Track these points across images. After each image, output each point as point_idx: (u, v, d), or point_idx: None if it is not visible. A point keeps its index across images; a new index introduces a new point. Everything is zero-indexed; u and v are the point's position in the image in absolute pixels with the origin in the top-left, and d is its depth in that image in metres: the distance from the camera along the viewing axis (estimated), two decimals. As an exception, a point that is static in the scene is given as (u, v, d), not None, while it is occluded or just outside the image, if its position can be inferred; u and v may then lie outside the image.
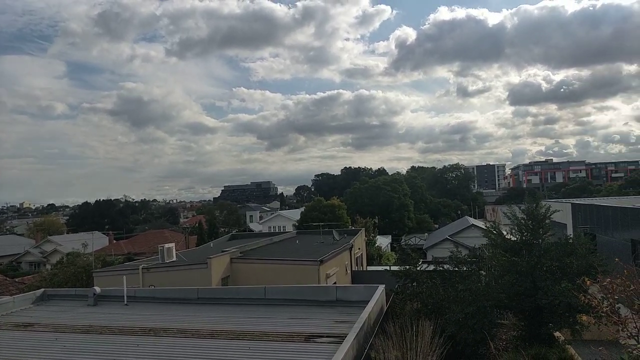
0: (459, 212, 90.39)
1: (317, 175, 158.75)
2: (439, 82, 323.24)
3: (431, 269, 16.09)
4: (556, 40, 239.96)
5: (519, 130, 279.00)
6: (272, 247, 28.17)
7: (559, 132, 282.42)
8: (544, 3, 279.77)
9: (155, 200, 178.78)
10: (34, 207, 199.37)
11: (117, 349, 10.10)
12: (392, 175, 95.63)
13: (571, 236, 15.94)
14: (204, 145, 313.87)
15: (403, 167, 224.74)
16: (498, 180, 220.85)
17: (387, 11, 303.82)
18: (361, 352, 9.20)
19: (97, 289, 15.56)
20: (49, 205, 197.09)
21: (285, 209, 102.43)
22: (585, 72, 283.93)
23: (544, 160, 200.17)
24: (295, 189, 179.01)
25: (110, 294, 15.60)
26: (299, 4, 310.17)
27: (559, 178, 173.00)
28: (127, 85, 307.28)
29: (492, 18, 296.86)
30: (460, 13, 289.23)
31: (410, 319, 10.30)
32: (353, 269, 26.88)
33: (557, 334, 13.78)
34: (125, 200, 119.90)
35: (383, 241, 51.98)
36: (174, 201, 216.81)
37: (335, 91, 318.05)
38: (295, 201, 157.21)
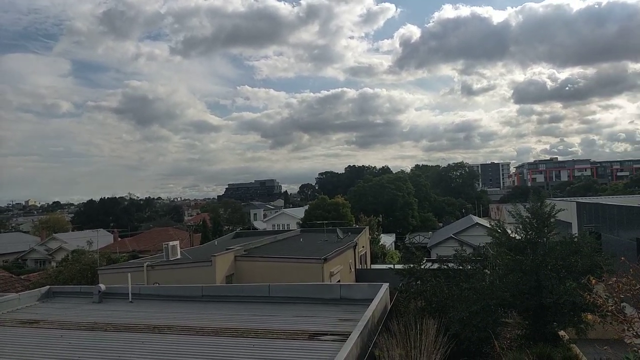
0: (463, 210, 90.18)
1: (321, 174, 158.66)
2: (444, 80, 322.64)
3: (435, 268, 16.05)
4: (561, 38, 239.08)
5: (523, 129, 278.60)
6: (276, 245, 28.20)
7: (564, 130, 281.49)
8: (549, 1, 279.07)
9: (159, 198, 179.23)
10: (39, 205, 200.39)
11: (121, 346, 10.14)
12: (396, 173, 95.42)
13: (576, 235, 15.87)
14: (208, 143, 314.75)
15: (407, 166, 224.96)
16: (502, 178, 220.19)
17: (391, 9, 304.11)
18: (365, 351, 9.20)
19: (102, 287, 15.62)
20: (54, 203, 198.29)
21: (289, 207, 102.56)
22: (590, 71, 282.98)
23: (548, 158, 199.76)
24: (299, 187, 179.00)
25: (115, 292, 15.66)
26: (303, 2, 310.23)
27: (564, 177, 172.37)
28: (131, 83, 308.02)
29: (496, 16, 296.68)
30: (464, 11, 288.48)
31: (414, 318, 10.30)
32: (357, 267, 26.88)
33: (561, 333, 13.73)
34: (130, 198, 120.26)
35: (387, 239, 51.98)
36: (179, 199, 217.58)
37: (340, 89, 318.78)
38: (299, 199, 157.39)
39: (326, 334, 10.32)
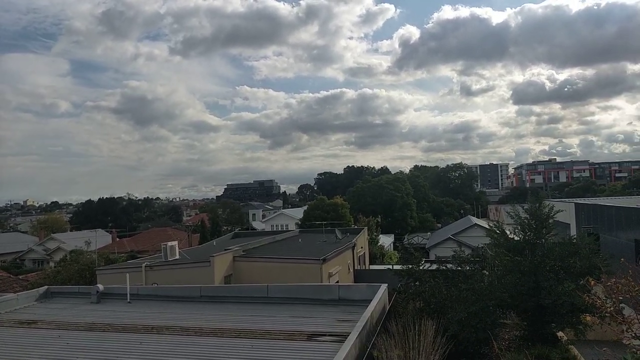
0: (461, 211, 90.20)
1: (320, 174, 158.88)
2: (443, 81, 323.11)
3: (434, 268, 16.05)
4: (560, 39, 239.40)
5: (522, 130, 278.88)
6: (275, 245, 28.17)
7: (563, 131, 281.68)
8: (548, 2, 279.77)
9: (158, 198, 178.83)
10: (37, 205, 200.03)
11: (120, 347, 10.12)
12: (395, 174, 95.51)
13: (575, 236, 15.89)
14: (207, 143, 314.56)
15: (406, 166, 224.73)
16: (501, 179, 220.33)
17: (390, 10, 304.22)
18: (363, 351, 9.20)
19: (100, 287, 15.60)
20: (52, 202, 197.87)
21: (288, 208, 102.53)
22: (589, 72, 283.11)
23: (547, 159, 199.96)
24: (298, 188, 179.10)
25: (113, 292, 15.64)
26: (302, 2, 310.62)
27: (563, 178, 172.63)
28: (130, 83, 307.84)
29: (496, 17, 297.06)
30: (464, 12, 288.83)
31: (412, 318, 10.30)
32: (356, 267, 26.87)
33: (560, 334, 13.74)
34: (129, 198, 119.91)
35: (386, 240, 51.98)
36: (177, 199, 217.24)
37: (339, 90, 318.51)
38: (298, 200, 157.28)
39: (325, 335, 10.31)
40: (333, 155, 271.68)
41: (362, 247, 30.86)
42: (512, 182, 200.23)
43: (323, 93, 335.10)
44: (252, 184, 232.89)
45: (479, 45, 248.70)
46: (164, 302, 14.77)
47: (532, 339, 12.79)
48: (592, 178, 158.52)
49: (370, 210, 59.55)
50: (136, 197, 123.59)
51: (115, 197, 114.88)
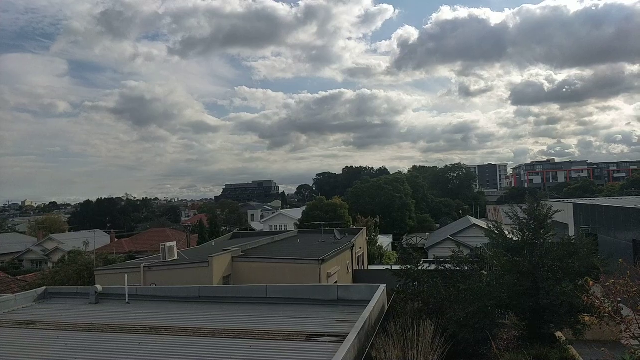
0: (460, 211, 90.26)
1: (318, 175, 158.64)
2: (441, 81, 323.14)
3: (432, 269, 16.06)
4: (559, 40, 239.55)
5: (521, 130, 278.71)
6: (274, 246, 28.17)
7: (561, 132, 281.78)
8: (546, 3, 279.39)
9: (156, 198, 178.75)
10: (35, 205, 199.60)
11: (118, 347, 10.12)
12: (393, 174, 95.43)
13: (573, 236, 15.92)
14: (206, 144, 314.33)
15: (405, 167, 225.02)
16: (500, 180, 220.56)
17: (389, 10, 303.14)
18: (362, 352, 9.20)
19: (99, 287, 15.59)
20: (50, 203, 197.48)
21: (287, 208, 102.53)
22: (587, 72, 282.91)
23: (545, 160, 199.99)
24: (297, 188, 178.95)
25: (111, 292, 15.63)
26: (301, 3, 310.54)
27: (561, 178, 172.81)
28: (129, 83, 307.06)
29: (494, 17, 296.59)
30: (462, 12, 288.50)
31: (411, 319, 10.30)
32: (354, 268, 26.87)
33: (558, 334, 13.77)
34: (127, 198, 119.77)
35: (384, 240, 52.01)
36: (176, 200, 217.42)
37: (337, 90, 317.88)
38: (296, 200, 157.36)
39: (323, 335, 10.32)
40: (332, 156, 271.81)
41: (360, 248, 30.87)
42: (510, 182, 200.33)
43: (322, 93, 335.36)
44: (250, 184, 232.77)
45: (477, 46, 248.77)
46: (162, 303, 14.77)
47: (530, 339, 12.82)
48: (590, 178, 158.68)
49: (369, 211, 59.58)
50: (135, 198, 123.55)
51: (114, 197, 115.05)
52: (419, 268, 15.78)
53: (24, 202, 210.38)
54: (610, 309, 7.48)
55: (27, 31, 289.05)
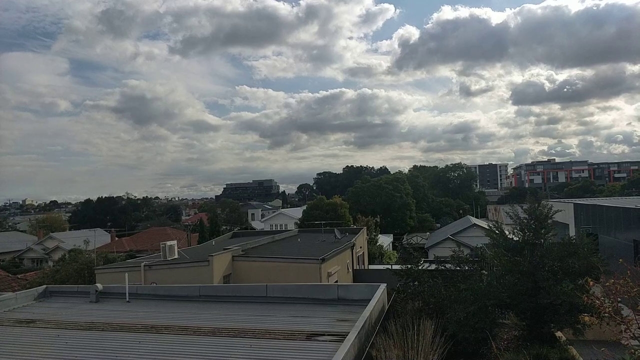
0: (460, 211, 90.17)
1: (319, 174, 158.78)
2: (442, 81, 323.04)
3: (433, 268, 16.07)
4: (560, 40, 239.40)
5: (521, 130, 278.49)
6: (274, 245, 28.17)
7: (562, 132, 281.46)
8: (547, 2, 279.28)
9: (157, 197, 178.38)
10: (36, 204, 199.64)
11: (118, 346, 10.12)
12: (394, 174, 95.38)
13: (573, 236, 15.91)
14: (207, 143, 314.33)
15: (405, 166, 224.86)
16: (500, 179, 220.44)
17: (390, 10, 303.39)
18: (362, 351, 9.20)
19: (99, 286, 15.60)
20: (51, 202, 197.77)
21: (287, 208, 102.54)
22: (588, 72, 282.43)
23: (546, 160, 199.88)
24: (297, 188, 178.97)
25: (112, 291, 15.64)
26: (302, 2, 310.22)
27: (562, 178, 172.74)
28: (130, 82, 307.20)
29: (495, 17, 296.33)
30: (463, 12, 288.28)
31: (411, 318, 10.31)
32: (354, 267, 26.87)
33: (558, 334, 13.77)
34: (128, 197, 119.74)
35: (385, 240, 51.98)
36: (176, 199, 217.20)
37: (338, 90, 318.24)
38: (297, 199, 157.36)
39: (323, 335, 10.32)
40: (332, 155, 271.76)
41: (361, 247, 30.87)
42: (511, 182, 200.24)
43: (322, 93, 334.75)
44: (251, 183, 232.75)
45: (478, 46, 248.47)
46: (162, 302, 14.78)
47: (530, 339, 12.82)
48: (591, 178, 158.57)
49: (369, 210, 59.57)
50: (135, 197, 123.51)
51: (114, 196, 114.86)
52: (419, 268, 15.80)
53: (24, 201, 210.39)
54: (610, 309, 7.47)
55: (28, 30, 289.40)
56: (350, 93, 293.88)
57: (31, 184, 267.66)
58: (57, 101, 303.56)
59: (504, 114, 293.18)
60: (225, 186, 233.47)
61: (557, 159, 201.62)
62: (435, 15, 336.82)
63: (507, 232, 15.06)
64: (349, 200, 66.25)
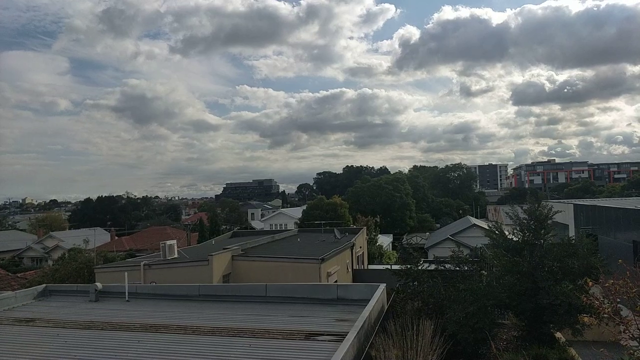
0: (460, 211, 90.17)
1: (319, 174, 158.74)
2: (442, 81, 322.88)
3: (432, 269, 16.08)
4: (560, 41, 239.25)
5: (521, 131, 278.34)
6: (274, 245, 28.18)
7: (562, 132, 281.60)
8: (548, 3, 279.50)
9: (157, 197, 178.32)
10: (36, 203, 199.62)
11: (118, 345, 10.13)
12: (394, 174, 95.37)
13: (573, 237, 15.91)
14: (207, 142, 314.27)
15: (405, 166, 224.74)
16: (500, 180, 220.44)
17: (391, 10, 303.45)
18: (362, 351, 9.21)
19: (99, 285, 15.60)
20: (51, 201, 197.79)
21: (287, 207, 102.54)
22: (589, 73, 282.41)
23: (546, 160, 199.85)
24: (297, 187, 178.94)
25: (111, 290, 15.64)
26: (303, 2, 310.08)
27: (562, 179, 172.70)
28: (130, 82, 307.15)
29: (496, 18, 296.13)
30: (464, 12, 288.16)
31: (411, 318, 10.31)
32: (354, 267, 26.88)
33: (558, 334, 13.77)
34: (128, 196, 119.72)
35: (384, 240, 51.99)
36: (176, 198, 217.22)
37: (339, 90, 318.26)
38: (297, 199, 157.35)
39: (323, 334, 10.32)
40: (332, 155, 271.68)
41: (360, 247, 30.87)
42: (511, 182, 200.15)
43: (323, 93, 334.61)
44: (251, 183, 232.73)
45: (478, 46, 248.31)
46: (162, 301, 14.78)
47: (530, 340, 12.82)
48: (590, 179, 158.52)
49: (369, 210, 59.55)
50: (135, 196, 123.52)
51: (114, 195, 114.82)
52: (419, 268, 15.80)
53: (24, 200, 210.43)
54: (609, 309, 7.47)
55: (28, 29, 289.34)
56: (350, 93, 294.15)
57: (31, 183, 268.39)
58: (57, 100, 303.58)
59: (504, 115, 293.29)
60: (225, 186, 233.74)
61: (557, 160, 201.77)
62: (435, 16, 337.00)
63: (506, 233, 15.07)
64: (348, 200, 66.23)
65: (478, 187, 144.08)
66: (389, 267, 26.29)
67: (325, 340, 9.88)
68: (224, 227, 63.20)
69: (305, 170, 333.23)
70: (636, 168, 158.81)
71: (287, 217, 71.78)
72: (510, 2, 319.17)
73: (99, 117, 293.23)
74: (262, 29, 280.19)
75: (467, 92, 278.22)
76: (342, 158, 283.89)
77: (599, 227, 28.70)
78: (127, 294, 15.16)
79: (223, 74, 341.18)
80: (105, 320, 12.40)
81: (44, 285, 17.08)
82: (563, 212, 33.14)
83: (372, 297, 12.42)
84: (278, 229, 54.59)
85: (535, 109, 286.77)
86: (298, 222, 57.88)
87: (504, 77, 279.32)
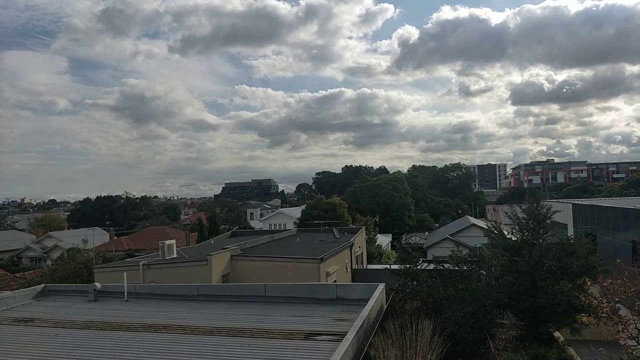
0: (459, 211, 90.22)
1: (318, 174, 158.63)
2: (441, 81, 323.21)
3: (431, 268, 16.10)
4: (559, 40, 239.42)
5: (520, 130, 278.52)
6: (273, 244, 28.17)
7: (561, 132, 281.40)
8: (547, 3, 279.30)
9: (156, 196, 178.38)
10: (35, 203, 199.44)
11: (117, 345, 10.12)
12: (393, 174, 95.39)
13: (572, 236, 15.94)
14: (206, 142, 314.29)
15: (404, 166, 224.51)
16: (499, 180, 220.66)
17: (390, 10, 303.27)
18: (361, 351, 9.22)
19: (98, 285, 15.59)
20: (50, 200, 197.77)
21: (286, 207, 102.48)
22: (587, 73, 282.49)
23: (545, 160, 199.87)
24: (296, 187, 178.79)
25: (110, 290, 15.63)
26: (302, 1, 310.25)
27: (560, 178, 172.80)
28: (129, 81, 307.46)
29: (495, 17, 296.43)
30: (463, 12, 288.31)
31: (410, 318, 10.32)
32: (353, 267, 26.88)
33: (556, 334, 13.79)
34: (126, 196, 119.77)
35: (383, 240, 52.01)
36: (175, 198, 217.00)
37: (338, 89, 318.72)
38: (296, 199, 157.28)
39: (322, 334, 10.33)
40: (331, 155, 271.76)
41: (359, 247, 30.88)
42: (510, 182, 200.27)
43: (322, 92, 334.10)
44: (250, 182, 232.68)
45: (477, 46, 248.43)
46: (161, 301, 14.78)
47: (529, 339, 12.84)
48: (589, 179, 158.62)
49: (368, 210, 59.58)
50: (134, 196, 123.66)
51: (113, 195, 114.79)
52: (418, 267, 15.82)
53: (23, 200, 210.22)
54: (607, 309, 7.49)
55: (27, 28, 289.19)
56: (349, 93, 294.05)
57: (30, 183, 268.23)
58: (57, 100, 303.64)
59: (503, 114, 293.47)
60: (224, 185, 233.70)
61: (556, 159, 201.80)
62: (435, 15, 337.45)
63: (505, 232, 15.08)
64: (348, 200, 66.23)
65: (477, 186, 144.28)
66: (388, 266, 26.31)
67: (324, 340, 9.88)
68: (223, 227, 63.18)
69: (304, 170, 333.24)
70: (635, 168, 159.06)
71: (286, 216, 71.73)
72: (509, 2, 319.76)
73: (98, 116, 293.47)
74: (261, 29, 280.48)
75: (466, 92, 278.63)
76: (341, 158, 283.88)
77: (598, 226, 28.74)
78: (126, 293, 15.15)
79: (222, 73, 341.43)
80: (104, 320, 12.40)
81: (42, 285, 17.07)
82: (562, 211, 33.19)
83: (371, 297, 12.42)
84: (277, 228, 54.58)
85: (534, 109, 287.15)
86: (297, 221, 57.88)
87: (503, 77, 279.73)
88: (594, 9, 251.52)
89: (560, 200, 50.40)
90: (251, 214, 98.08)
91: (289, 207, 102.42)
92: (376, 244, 45.59)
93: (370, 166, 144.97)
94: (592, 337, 10.85)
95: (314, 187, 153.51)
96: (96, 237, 45.32)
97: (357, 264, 29.19)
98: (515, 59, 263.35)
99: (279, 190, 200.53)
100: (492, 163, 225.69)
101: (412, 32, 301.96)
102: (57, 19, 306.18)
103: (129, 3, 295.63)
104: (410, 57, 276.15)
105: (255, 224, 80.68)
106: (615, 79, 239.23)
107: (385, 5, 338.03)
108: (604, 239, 26.91)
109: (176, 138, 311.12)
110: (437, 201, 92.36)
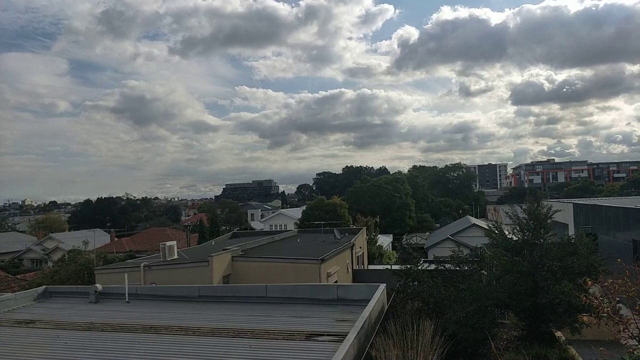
0: (460, 211, 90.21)
1: (318, 174, 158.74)
2: (442, 81, 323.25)
3: (432, 268, 16.08)
4: (559, 40, 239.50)
5: (521, 130, 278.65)
6: (273, 245, 28.18)
7: (561, 132, 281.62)
8: (546, 3, 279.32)
9: (156, 198, 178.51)
10: (35, 204, 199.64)
11: (118, 347, 10.13)
12: (393, 174, 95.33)
13: (573, 236, 15.93)
14: (206, 143, 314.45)
15: (405, 166, 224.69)
16: (500, 179, 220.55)
17: (390, 10, 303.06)
18: (362, 351, 9.21)
19: (99, 287, 15.59)
20: (50, 202, 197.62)
21: (287, 208, 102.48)
22: (588, 72, 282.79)
23: (545, 160, 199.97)
24: (297, 188, 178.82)
25: (111, 292, 15.64)
26: (302, 2, 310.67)
27: (561, 178, 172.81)
28: (129, 83, 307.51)
29: (494, 17, 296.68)
30: (463, 12, 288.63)
31: (411, 318, 10.32)
32: (354, 267, 26.88)
33: (558, 333, 13.78)
34: (127, 198, 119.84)
35: (384, 240, 51.99)
36: (176, 199, 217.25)
37: (338, 90, 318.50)
38: (296, 200, 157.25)
39: (323, 335, 10.33)
40: (332, 155, 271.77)
41: (360, 247, 30.87)
42: (510, 182, 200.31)
43: (322, 93, 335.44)
44: (250, 183, 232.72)
45: (477, 46, 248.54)
46: (162, 302, 14.78)
47: (530, 339, 12.83)
48: (590, 178, 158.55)
49: (368, 210, 59.51)
50: (134, 197, 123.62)
51: (114, 196, 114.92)
52: (419, 268, 15.80)
53: (24, 201, 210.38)
54: (608, 308, 7.48)
55: (27, 30, 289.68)
56: (349, 93, 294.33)
57: (31, 185, 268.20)
58: (57, 102, 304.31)
59: (503, 114, 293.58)
60: (224, 186, 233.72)
61: (557, 159, 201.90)
62: (434, 16, 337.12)
63: (506, 232, 15.08)
64: (348, 201, 66.18)
65: (477, 186, 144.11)
66: (389, 267, 26.27)
67: (325, 341, 9.88)
68: (223, 227, 63.13)
69: (304, 170, 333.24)
70: (635, 167, 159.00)
71: (287, 217, 71.73)
72: (509, 2, 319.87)
73: (98, 118, 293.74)
74: (261, 30, 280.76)
75: (466, 92, 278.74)
76: (342, 158, 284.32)
77: (599, 226, 28.72)
78: (127, 295, 15.15)
79: (222, 74, 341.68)
80: (105, 321, 12.40)
81: (43, 286, 17.08)
82: (562, 211, 33.16)
83: (372, 298, 12.42)
84: (278, 229, 54.59)
85: (535, 109, 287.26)
86: (298, 222, 57.85)
87: (503, 77, 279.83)
88: (593, 8, 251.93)
89: (561, 200, 50.37)
90: (252, 215, 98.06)
91: (290, 208, 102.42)
92: (377, 244, 45.58)
93: (370, 167, 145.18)
94: (593, 337, 10.84)
95: (314, 188, 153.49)
96: (97, 238, 45.31)
97: (358, 264, 29.19)
98: (515, 59, 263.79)
99: (280, 191, 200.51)
100: (492, 163, 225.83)
101: (412, 33, 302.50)
102: (58, 21, 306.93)
103: (129, 5, 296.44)
104: (410, 57, 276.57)
105: (256, 225, 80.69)
106: (616, 78, 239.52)
107: (385, 5, 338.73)
108: (604, 239, 26.89)
109: (177, 139, 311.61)
110: (438, 201, 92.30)
